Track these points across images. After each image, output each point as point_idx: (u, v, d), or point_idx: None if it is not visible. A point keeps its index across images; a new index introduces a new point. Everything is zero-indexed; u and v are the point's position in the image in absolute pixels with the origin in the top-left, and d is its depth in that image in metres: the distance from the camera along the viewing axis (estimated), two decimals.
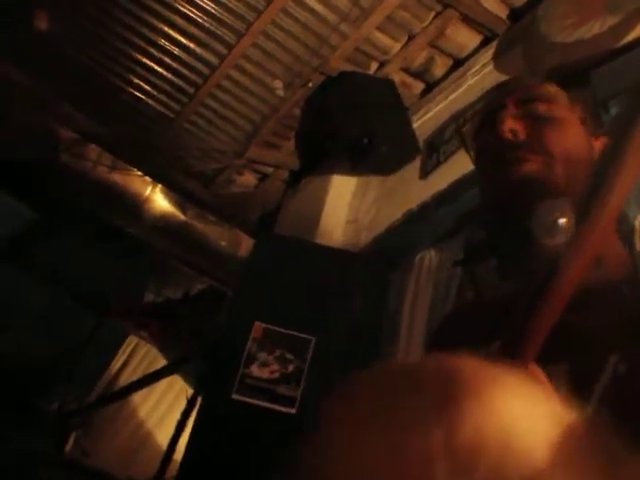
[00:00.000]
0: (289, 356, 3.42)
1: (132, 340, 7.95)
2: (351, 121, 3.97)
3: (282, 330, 3.47)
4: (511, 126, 1.41)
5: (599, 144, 1.44)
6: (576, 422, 0.77)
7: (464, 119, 3.68)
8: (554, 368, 1.18)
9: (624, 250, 1.35)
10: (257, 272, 3.80)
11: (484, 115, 1.53)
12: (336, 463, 0.75)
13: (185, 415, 3.62)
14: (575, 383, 1.16)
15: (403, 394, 0.77)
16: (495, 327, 1.14)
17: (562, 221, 0.77)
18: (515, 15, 4.30)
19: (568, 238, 0.83)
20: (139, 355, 7.87)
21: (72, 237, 6.57)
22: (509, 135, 1.40)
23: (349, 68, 4.46)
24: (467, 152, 1.63)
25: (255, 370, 3.38)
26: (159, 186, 5.52)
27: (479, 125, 1.54)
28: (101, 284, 6.84)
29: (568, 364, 1.19)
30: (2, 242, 6.78)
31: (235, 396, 3.32)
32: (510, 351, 0.94)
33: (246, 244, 5.48)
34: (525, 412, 0.76)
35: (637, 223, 1.44)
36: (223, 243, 5.64)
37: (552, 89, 1.49)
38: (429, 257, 3.81)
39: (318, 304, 3.55)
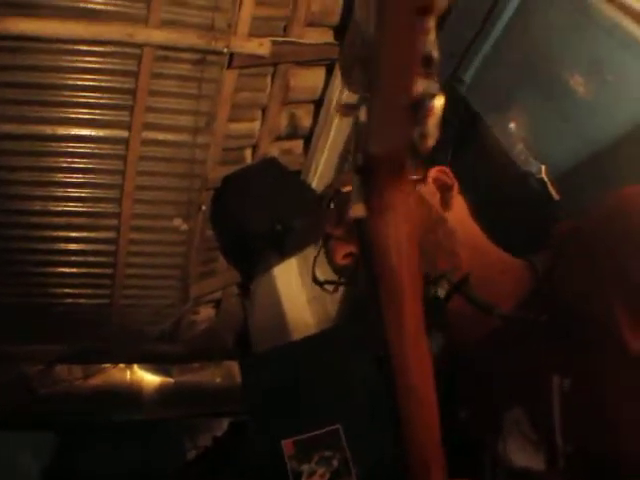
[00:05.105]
0: (328, 453, 3.37)
1: None
2: (256, 218, 3.99)
3: (308, 435, 3.44)
4: (342, 253, 1.46)
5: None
6: None
7: None
8: (511, 415, 1.19)
9: (509, 258, 1.37)
10: (255, 396, 3.76)
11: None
12: None
13: None
14: (535, 419, 1.17)
15: None
16: None
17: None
18: (339, 33, 4.35)
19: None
20: None
21: (96, 447, 6.52)
22: (346, 261, 1.46)
23: (227, 170, 4.49)
24: None
25: None
26: (134, 366, 5.51)
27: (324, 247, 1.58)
28: (145, 475, 6.76)
29: (521, 405, 1.20)
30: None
31: None
32: None
33: (238, 370, 5.47)
34: None
35: (544, 174, 1.47)
36: (218, 380, 5.63)
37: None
38: None
39: (323, 393, 3.52)
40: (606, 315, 1.10)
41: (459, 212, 1.48)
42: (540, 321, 1.21)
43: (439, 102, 0.81)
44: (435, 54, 0.77)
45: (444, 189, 1.50)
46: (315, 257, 1.63)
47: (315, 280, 1.65)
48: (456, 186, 1.51)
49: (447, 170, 1.52)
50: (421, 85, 0.79)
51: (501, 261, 1.41)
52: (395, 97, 0.81)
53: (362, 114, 0.88)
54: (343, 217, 1.49)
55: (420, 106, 0.81)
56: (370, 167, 0.90)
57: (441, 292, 1.26)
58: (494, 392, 1.04)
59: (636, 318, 1.08)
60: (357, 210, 0.94)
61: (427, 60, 0.77)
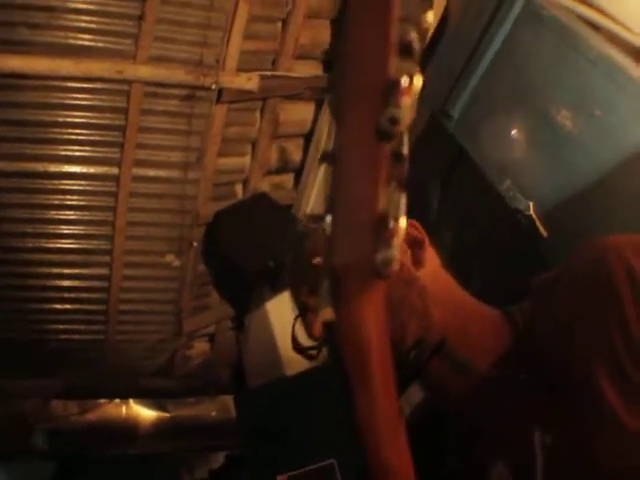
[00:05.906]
0: None
1: None
2: (248, 253, 3.98)
3: (303, 470, 3.42)
4: (320, 326, 1.44)
5: None
6: None
7: None
8: (496, 470, 1.17)
9: (491, 313, 1.34)
10: (249, 431, 3.76)
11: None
12: None
13: None
14: (518, 473, 1.15)
15: None
16: None
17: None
18: (328, 64, 4.35)
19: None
20: None
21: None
22: (323, 333, 1.44)
23: (219, 206, 4.47)
24: None
25: None
26: (130, 401, 5.48)
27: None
28: None
29: (504, 460, 1.18)
30: None
31: None
32: None
33: (233, 404, 5.44)
34: None
35: (532, 211, 1.45)
36: (214, 414, 5.59)
37: None
38: None
39: (317, 428, 3.51)
40: (589, 380, 1.08)
41: (431, 266, 1.42)
42: (519, 378, 1.19)
43: (403, 223, 0.77)
44: (405, 151, 0.73)
45: (415, 245, 1.43)
46: (293, 326, 1.59)
47: (296, 348, 1.61)
48: (427, 241, 1.45)
49: (417, 224, 1.45)
50: (386, 199, 0.76)
51: (478, 314, 1.37)
52: (358, 211, 0.79)
53: (327, 226, 0.87)
54: (315, 288, 1.46)
55: (383, 227, 0.77)
56: (337, 275, 0.89)
57: (421, 357, 1.23)
58: (478, 446, 1.03)
59: (620, 386, 1.05)
60: (326, 314, 0.94)
61: (397, 156, 0.74)
